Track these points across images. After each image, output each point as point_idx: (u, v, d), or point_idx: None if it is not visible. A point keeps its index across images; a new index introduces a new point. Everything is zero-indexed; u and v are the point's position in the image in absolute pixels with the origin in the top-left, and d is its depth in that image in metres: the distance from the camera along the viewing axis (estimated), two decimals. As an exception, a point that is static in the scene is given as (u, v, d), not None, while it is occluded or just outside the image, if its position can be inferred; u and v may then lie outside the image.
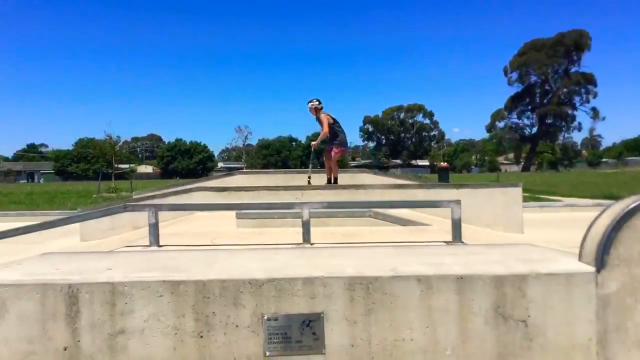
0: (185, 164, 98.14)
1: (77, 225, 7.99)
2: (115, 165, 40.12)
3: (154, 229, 4.98)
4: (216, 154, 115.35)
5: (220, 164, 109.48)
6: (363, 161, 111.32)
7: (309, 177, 10.87)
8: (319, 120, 10.35)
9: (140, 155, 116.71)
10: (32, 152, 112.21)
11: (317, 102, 10.34)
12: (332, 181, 10.42)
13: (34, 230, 4.93)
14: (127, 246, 5.19)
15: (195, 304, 2.64)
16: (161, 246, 5.09)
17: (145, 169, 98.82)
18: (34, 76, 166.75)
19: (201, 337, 2.63)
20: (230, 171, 19.76)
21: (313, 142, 11.31)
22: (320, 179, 10.88)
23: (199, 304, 2.64)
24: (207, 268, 2.86)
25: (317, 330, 2.61)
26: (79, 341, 2.63)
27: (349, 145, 10.91)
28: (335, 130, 10.33)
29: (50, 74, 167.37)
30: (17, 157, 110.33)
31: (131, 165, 52.23)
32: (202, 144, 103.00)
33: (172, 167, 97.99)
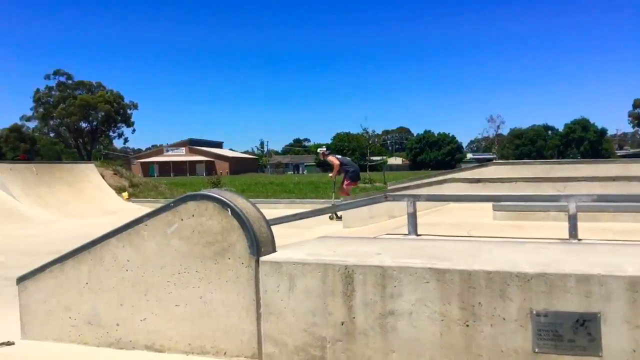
0: (434, 155, 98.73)
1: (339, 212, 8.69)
2: (368, 158, 42.30)
3: (413, 218, 5.16)
4: (464, 144, 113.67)
5: (469, 155, 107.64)
6: (632, 150, 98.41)
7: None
8: (329, 162, 13.16)
9: (390, 148, 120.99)
10: (297, 146, 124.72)
11: (325, 149, 13.76)
12: None
13: (308, 217, 5.51)
14: (387, 234, 5.49)
15: (460, 293, 2.69)
16: (419, 235, 5.26)
17: (395, 160, 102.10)
18: (300, 80, 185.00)
19: (467, 325, 2.67)
20: (480, 162, 19.31)
21: (330, 175, 13.72)
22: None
23: (465, 293, 2.68)
24: (471, 258, 2.88)
25: (593, 330, 2.45)
26: (354, 318, 2.90)
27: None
28: (345, 168, 12.77)
29: (311, 78, 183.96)
30: (285, 151, 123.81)
31: (383, 157, 54.50)
32: (450, 135, 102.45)
33: (421, 158, 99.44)
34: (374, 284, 2.85)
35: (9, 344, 3.63)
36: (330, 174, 13.94)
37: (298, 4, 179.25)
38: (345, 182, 12.80)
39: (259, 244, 3.12)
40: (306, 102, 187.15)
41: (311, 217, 5.60)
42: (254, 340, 3.15)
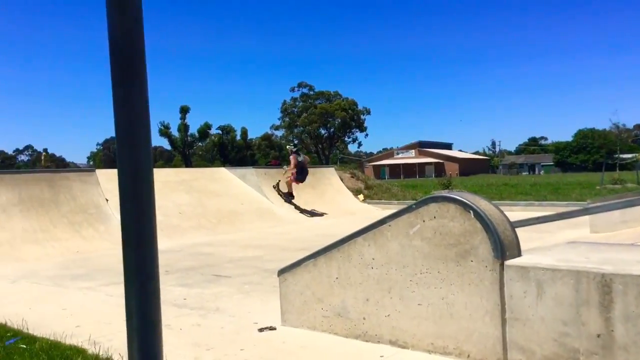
0: None
1: (584, 217, 7.98)
2: (618, 155, 37.92)
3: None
4: None
5: None
6: None
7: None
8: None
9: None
10: (533, 145, 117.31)
11: (292, 146, 14.75)
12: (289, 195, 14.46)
13: (553, 220, 5.19)
14: (649, 241, 4.89)
15: None
16: (689, 244, 4.59)
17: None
18: (535, 74, 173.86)
19: None
20: None
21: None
22: None
23: None
24: None
25: None
26: (612, 331, 2.66)
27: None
28: (300, 168, 14.17)
29: (549, 70, 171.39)
30: (519, 151, 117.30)
31: (635, 154, 48.33)
32: None
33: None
34: (637, 296, 2.58)
35: (271, 329, 4.11)
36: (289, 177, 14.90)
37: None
38: (291, 178, 14.12)
39: (504, 247, 3.05)
40: (543, 97, 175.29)
41: (556, 220, 5.26)
42: (498, 345, 3.08)
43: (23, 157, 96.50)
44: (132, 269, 1.82)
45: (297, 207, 14.25)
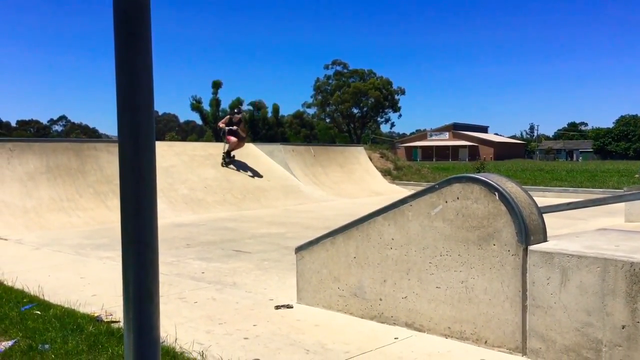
0: None
1: (619, 205, 7.70)
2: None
3: None
4: None
5: None
6: None
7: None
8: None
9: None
10: (572, 130, 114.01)
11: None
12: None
13: (585, 207, 4.98)
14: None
15: None
16: None
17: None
18: (576, 58, 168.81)
19: None
20: None
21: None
22: None
23: None
24: None
25: None
26: (638, 322, 2.51)
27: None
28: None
29: (590, 54, 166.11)
30: (558, 136, 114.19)
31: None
32: None
33: None
34: (669, 288, 2.41)
35: (288, 307, 4.05)
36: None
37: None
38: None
39: (528, 231, 2.90)
40: (584, 81, 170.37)
41: (588, 207, 5.05)
42: (517, 332, 2.95)
43: (57, 128, 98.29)
44: (130, 237, 1.76)
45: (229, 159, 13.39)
